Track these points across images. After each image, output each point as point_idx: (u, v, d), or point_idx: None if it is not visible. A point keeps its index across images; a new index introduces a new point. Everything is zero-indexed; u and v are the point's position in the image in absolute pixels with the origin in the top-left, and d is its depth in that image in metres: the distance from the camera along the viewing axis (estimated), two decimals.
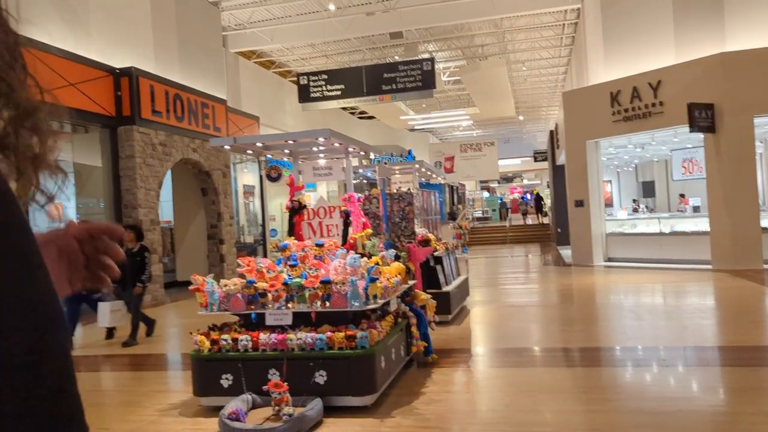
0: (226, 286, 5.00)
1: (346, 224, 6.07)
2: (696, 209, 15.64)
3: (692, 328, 7.45)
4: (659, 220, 15.29)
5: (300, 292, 4.89)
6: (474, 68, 24.41)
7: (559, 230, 23.15)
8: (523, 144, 50.09)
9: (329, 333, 4.75)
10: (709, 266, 13.36)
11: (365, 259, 5.62)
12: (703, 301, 10.04)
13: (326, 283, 4.81)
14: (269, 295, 4.94)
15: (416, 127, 36.77)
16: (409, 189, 8.19)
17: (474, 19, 20.13)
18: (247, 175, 19.34)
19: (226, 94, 17.56)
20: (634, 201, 22.58)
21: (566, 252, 18.47)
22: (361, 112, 35.36)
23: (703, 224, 14.08)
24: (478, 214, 41.38)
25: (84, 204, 12.88)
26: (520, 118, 40.09)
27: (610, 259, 15.87)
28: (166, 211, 17.01)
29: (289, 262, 5.28)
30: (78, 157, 12.67)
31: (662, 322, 8.06)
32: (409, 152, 29.69)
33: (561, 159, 21.65)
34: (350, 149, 6.01)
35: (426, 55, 16.82)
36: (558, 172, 23.78)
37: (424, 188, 9.88)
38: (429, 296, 6.43)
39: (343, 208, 6.09)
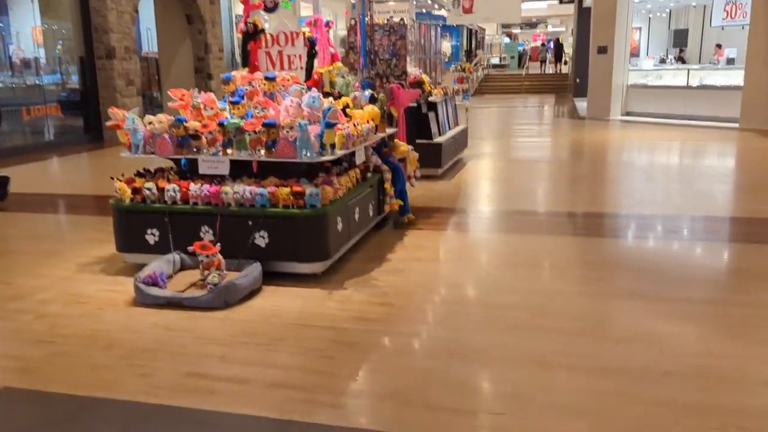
0: (150, 123, 4.09)
1: (311, 55, 5.01)
2: (731, 61, 14.13)
3: (707, 193, 6.59)
4: (688, 71, 13.87)
5: (239, 136, 3.98)
6: None
7: (577, 80, 21.60)
8: None
9: (273, 188, 3.91)
10: (737, 125, 12.21)
11: (330, 99, 4.64)
12: (724, 162, 9.09)
13: (270, 126, 3.88)
14: (203, 138, 4.04)
15: None
16: (402, 20, 6.97)
17: None
18: (237, 4, 17.68)
19: None
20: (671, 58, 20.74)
21: (582, 104, 17.19)
22: None
23: (736, 78, 12.73)
24: (496, 60, 39.10)
25: (48, 26, 11.64)
26: None
27: (628, 113, 14.66)
28: (152, 41, 15.67)
29: (231, 99, 4.31)
30: None
31: (675, 185, 7.19)
32: None
33: (588, 0, 19.60)
34: None
35: None
36: (583, 15, 21.70)
37: (424, 21, 8.60)
38: (410, 148, 5.51)
39: (307, 35, 4.99)
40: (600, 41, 14.68)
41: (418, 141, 7.22)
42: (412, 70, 7.25)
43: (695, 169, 8.40)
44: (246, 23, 5.04)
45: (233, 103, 4.25)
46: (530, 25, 53.31)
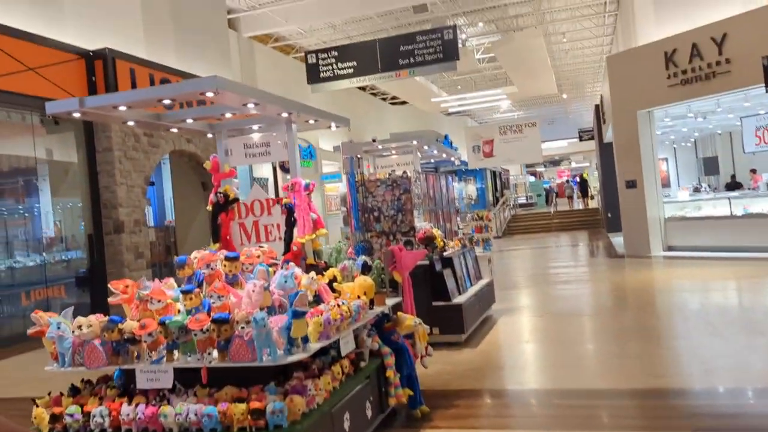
0: (79, 327, 3.27)
1: (290, 224, 4.27)
2: None
3: None
4: (729, 200, 12.97)
5: (185, 336, 3.13)
6: (508, 41, 22.26)
7: (609, 215, 20.84)
8: (569, 125, 47.29)
9: (225, 404, 2.97)
10: None
11: (311, 275, 3.81)
12: None
13: (220, 322, 3.03)
14: (142, 342, 3.19)
15: (452, 111, 34.70)
16: (405, 173, 6.34)
17: None
18: (258, 167, 17.80)
19: (231, 78, 15.96)
20: (698, 185, 20.07)
21: (618, 240, 16.25)
22: (393, 98, 33.51)
23: None
24: (522, 199, 38.97)
25: (61, 205, 11.49)
26: (564, 96, 37.48)
27: (670, 248, 13.62)
28: (169, 210, 15.59)
29: (183, 287, 3.51)
30: (51, 153, 11.28)
31: (746, 340, 6.01)
32: (446, 137, 27.71)
33: (609, 135, 19.34)
34: (286, 115, 4.20)
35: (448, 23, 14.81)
36: (606, 150, 21.41)
37: (433, 171, 8.00)
38: (418, 321, 4.58)
39: (284, 201, 4.29)
40: (627, 175, 14.04)
41: (434, 304, 6.31)
42: (422, 225, 6.51)
43: (765, 315, 7.21)
44: (216, 193, 4.39)
45: (184, 293, 3.43)
46: (554, 162, 53.98)
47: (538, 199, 39.39)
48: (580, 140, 41.50)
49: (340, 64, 14.61)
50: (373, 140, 6.71)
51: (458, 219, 9.05)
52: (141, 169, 11.57)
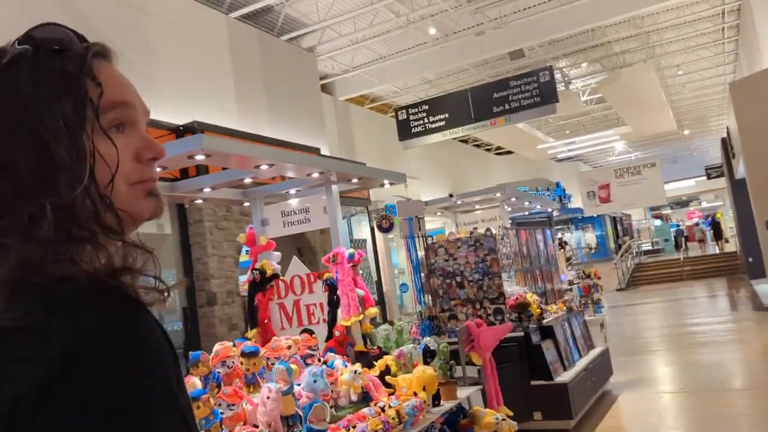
0: None
1: (333, 303, 3.57)
2: None
3: None
4: None
5: None
6: (615, 78, 20.93)
7: (750, 259, 18.46)
8: (694, 162, 43.81)
9: None
10: None
11: (353, 368, 3.06)
12: None
13: None
14: None
15: (561, 156, 33.14)
16: (488, 230, 5.49)
17: (606, 21, 16.90)
18: (357, 226, 17.43)
19: (325, 143, 15.89)
20: None
21: (764, 288, 14.16)
22: (497, 148, 32.59)
23: None
24: (648, 246, 36.11)
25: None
26: (685, 132, 34.82)
27: None
28: None
29: (192, 391, 2.87)
30: (148, 227, 11.46)
31: None
32: (557, 185, 26.15)
33: (740, 170, 17.30)
34: (331, 177, 3.57)
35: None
36: (739, 187, 19.19)
37: (533, 224, 7.08)
38: (501, 417, 3.66)
39: (326, 276, 3.61)
40: (766, 215, 12.22)
41: (533, 383, 5.31)
42: (513, 290, 5.58)
43: None
44: (252, 270, 3.79)
45: (193, 399, 2.79)
46: (681, 203, 50.15)
47: (665, 244, 36.37)
48: (708, 178, 38.25)
49: (431, 118, 14.10)
50: (450, 195, 5.96)
51: (568, 272, 7.95)
52: (232, 239, 11.45)
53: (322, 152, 14.82)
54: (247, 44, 14.10)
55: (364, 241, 17.24)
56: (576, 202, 34.59)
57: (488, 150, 32.95)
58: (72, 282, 0.63)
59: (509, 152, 32.40)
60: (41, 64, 0.72)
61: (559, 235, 28.54)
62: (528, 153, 28.74)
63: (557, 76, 22.24)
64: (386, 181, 3.94)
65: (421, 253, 5.80)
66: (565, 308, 6.55)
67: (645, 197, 30.24)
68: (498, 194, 5.85)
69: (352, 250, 3.59)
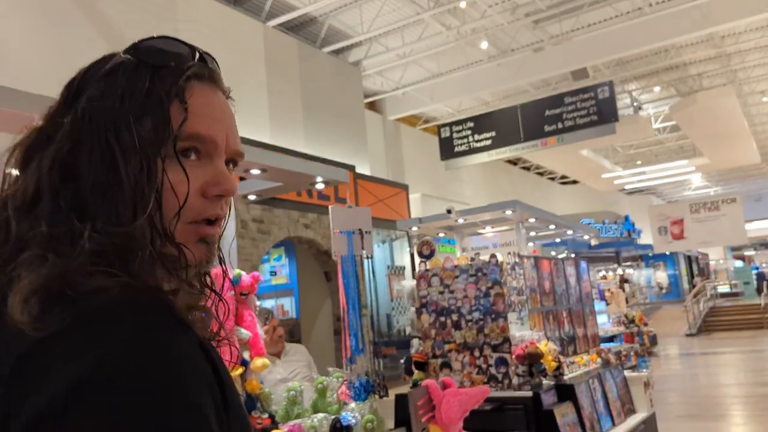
0: None
1: None
2: None
3: None
4: None
5: None
6: (690, 103, 19.12)
7: None
8: None
9: None
10: None
11: None
12: None
13: None
14: None
15: (630, 188, 31.07)
16: (493, 257, 4.28)
17: (680, 38, 15.31)
18: (399, 254, 16.28)
19: (366, 162, 14.94)
20: None
21: None
22: (562, 177, 30.92)
23: None
24: (725, 288, 33.20)
25: None
26: None
27: None
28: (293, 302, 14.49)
29: None
30: None
31: None
32: (626, 218, 24.20)
33: None
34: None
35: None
36: None
37: (588, 258, 5.77)
38: None
39: None
40: None
41: None
42: (523, 335, 4.33)
43: None
44: None
45: None
46: (765, 244, 46.57)
47: (745, 287, 33.34)
48: None
49: (476, 136, 12.94)
50: (448, 211, 4.78)
51: (615, 315, 6.57)
52: (247, 258, 10.56)
53: (358, 170, 13.87)
54: (285, 55, 13.39)
55: (403, 268, 16.11)
56: (646, 238, 32.46)
57: (552, 179, 31.34)
58: (105, 292, 0.59)
59: (575, 182, 30.69)
60: (134, 77, 0.69)
61: (619, 270, 26.52)
62: (593, 183, 26.94)
63: (626, 100, 20.71)
64: (318, 180, 2.86)
65: (408, 284, 4.65)
66: (599, 360, 5.21)
67: (723, 235, 27.80)
68: (509, 212, 4.62)
69: (238, 272, 2.50)
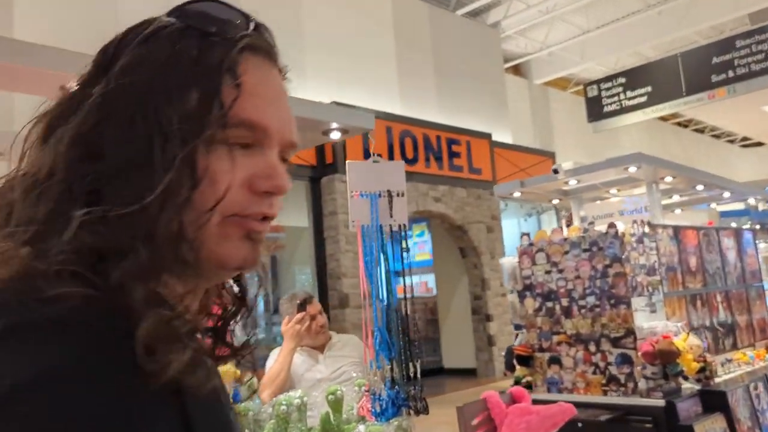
0: None
1: None
2: None
3: None
4: None
5: None
6: None
7: None
8: None
9: None
10: None
11: None
12: None
13: None
14: None
15: None
16: (611, 227, 3.38)
17: None
18: (548, 227, 15.10)
19: (508, 130, 13.94)
20: None
21: None
22: (743, 139, 27.32)
23: None
24: None
25: (297, 274, 10.68)
26: None
27: None
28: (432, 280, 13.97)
29: None
30: (286, 219, 10.65)
31: None
32: None
33: None
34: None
35: None
36: None
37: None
38: None
39: None
40: None
41: None
42: (656, 326, 3.40)
43: None
44: None
45: None
46: None
47: None
48: None
49: (629, 93, 11.42)
50: (555, 171, 3.87)
51: None
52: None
53: (496, 138, 12.91)
54: (416, 20, 12.73)
55: None
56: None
57: (731, 142, 27.81)
58: (58, 303, 0.47)
59: (759, 144, 26.97)
60: (180, 44, 0.58)
61: None
62: None
63: None
64: (334, 127, 2.22)
65: (508, 261, 3.88)
66: None
67: None
68: (633, 168, 3.59)
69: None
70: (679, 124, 24.02)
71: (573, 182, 3.94)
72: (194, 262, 0.56)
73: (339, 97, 9.90)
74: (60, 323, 0.46)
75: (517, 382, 3.70)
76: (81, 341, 0.46)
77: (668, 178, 3.84)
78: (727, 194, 4.51)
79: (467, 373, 11.78)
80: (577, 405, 3.33)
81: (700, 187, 4.20)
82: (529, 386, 3.69)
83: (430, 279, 14.05)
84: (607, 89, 11.83)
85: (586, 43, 15.71)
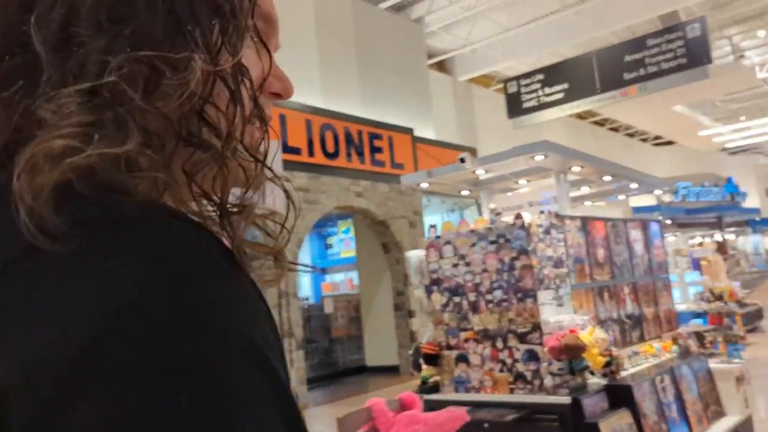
0: None
1: None
2: None
3: None
4: None
5: None
6: None
7: None
8: None
9: None
10: None
11: None
12: None
13: None
14: None
15: (732, 146, 28.24)
16: (518, 218, 3.26)
17: None
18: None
19: (431, 125, 13.90)
20: None
21: None
22: (655, 138, 28.55)
23: None
24: None
25: None
26: None
27: None
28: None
29: None
30: None
31: None
32: (728, 180, 22.01)
33: None
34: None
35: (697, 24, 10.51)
36: None
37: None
38: None
39: None
40: None
41: None
42: (562, 319, 3.31)
43: None
44: None
45: None
46: None
47: None
48: None
49: (546, 89, 11.58)
50: (462, 160, 3.74)
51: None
52: (293, 231, 9.85)
53: (419, 134, 12.85)
54: (338, 12, 12.46)
55: None
56: (752, 201, 29.60)
57: (644, 140, 29.01)
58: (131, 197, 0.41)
59: (670, 143, 28.24)
60: None
61: (717, 236, 24.07)
62: (690, 142, 24.55)
63: (726, 48, 18.48)
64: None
65: (414, 255, 3.73)
66: (675, 349, 4.07)
67: None
68: (539, 156, 3.48)
69: None
70: (596, 122, 24.81)
71: (481, 172, 3.81)
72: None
73: None
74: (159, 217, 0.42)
75: (424, 382, 3.54)
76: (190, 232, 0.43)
77: (576, 168, 3.78)
78: (634, 185, 4.52)
79: (390, 371, 11.67)
80: (484, 405, 3.19)
81: (607, 178, 4.17)
82: (436, 386, 3.54)
83: (355, 276, 13.88)
84: (526, 86, 11.97)
85: (508, 41, 15.90)
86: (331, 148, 10.61)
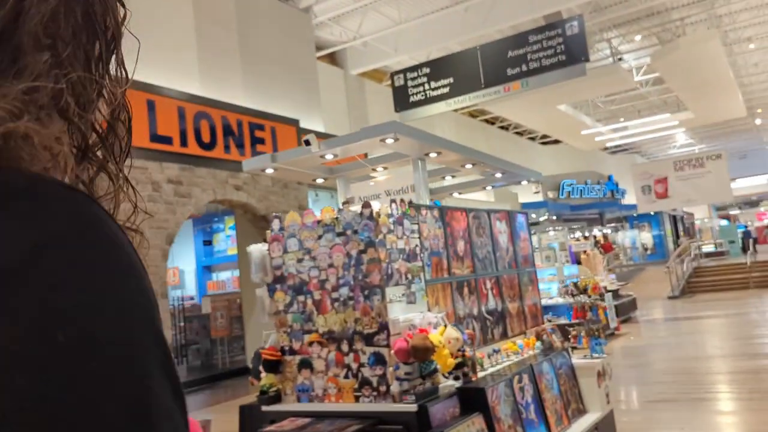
0: None
1: None
2: None
3: None
4: None
5: None
6: (672, 50, 17.68)
7: None
8: (767, 158, 39.40)
9: None
10: None
11: None
12: None
13: None
14: None
15: (612, 145, 29.77)
16: (366, 208, 2.93)
17: None
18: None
19: (319, 118, 13.46)
20: None
21: None
22: (543, 137, 29.58)
23: None
24: (709, 248, 32.08)
25: None
26: (757, 122, 30.90)
27: None
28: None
29: None
30: None
31: None
32: (609, 178, 22.93)
33: None
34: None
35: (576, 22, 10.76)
36: None
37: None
38: None
39: None
40: None
41: None
42: (413, 317, 3.01)
43: None
44: None
45: None
46: (751, 203, 45.79)
47: (730, 246, 32.29)
48: None
49: (432, 83, 11.46)
50: (306, 142, 3.39)
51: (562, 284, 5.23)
52: (162, 225, 9.15)
53: (306, 125, 12.40)
54: None
55: None
56: (630, 198, 31.37)
57: (532, 139, 29.99)
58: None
59: (556, 142, 29.36)
60: None
61: (596, 231, 25.34)
62: (573, 141, 25.55)
63: (606, 51, 19.30)
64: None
65: (256, 249, 3.33)
66: (539, 345, 3.92)
67: (708, 193, 26.60)
68: (390, 140, 3.17)
69: None
70: (487, 120, 25.32)
71: (330, 157, 3.46)
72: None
73: (150, 78, 8.77)
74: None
75: (263, 392, 3.15)
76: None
77: (433, 154, 3.51)
78: (499, 174, 4.34)
79: None
80: (327, 415, 2.83)
81: (469, 166, 3.95)
82: (277, 396, 3.15)
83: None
84: (413, 79, 11.81)
85: (399, 36, 15.76)
86: (206, 138, 9.95)
